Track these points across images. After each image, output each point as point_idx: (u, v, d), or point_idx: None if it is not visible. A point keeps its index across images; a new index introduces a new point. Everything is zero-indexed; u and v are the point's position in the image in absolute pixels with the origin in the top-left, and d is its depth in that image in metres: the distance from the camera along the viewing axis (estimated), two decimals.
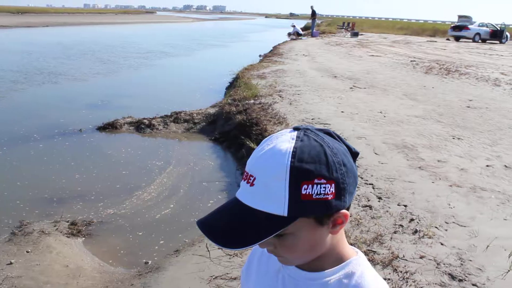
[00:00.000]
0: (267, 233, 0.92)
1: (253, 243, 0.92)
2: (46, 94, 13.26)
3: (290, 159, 0.92)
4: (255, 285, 1.24)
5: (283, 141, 0.95)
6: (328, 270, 1.09)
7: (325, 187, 0.93)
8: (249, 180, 0.95)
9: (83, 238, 5.00)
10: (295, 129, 0.99)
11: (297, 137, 0.96)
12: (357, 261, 1.11)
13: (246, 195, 0.96)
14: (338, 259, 1.10)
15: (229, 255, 4.08)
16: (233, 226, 0.95)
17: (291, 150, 0.93)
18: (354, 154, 1.03)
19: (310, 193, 0.92)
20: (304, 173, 0.91)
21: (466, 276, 3.65)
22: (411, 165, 6.20)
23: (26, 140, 8.45)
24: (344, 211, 0.98)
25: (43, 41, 30.18)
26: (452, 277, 3.65)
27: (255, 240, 0.92)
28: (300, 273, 1.12)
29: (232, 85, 13.81)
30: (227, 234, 0.94)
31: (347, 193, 0.97)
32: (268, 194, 0.92)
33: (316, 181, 0.92)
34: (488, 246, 4.11)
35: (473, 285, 3.54)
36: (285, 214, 0.92)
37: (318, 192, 0.92)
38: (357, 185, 1.06)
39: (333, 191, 0.94)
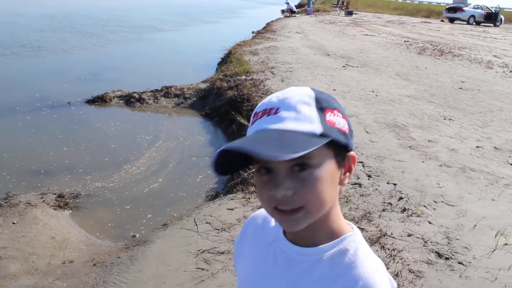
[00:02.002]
0: (311, 145, 0.91)
1: (305, 150, 0.89)
2: (33, 67, 13.01)
3: (313, 91, 1.01)
4: (247, 257, 1.21)
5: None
6: (322, 245, 1.04)
7: (342, 121, 1.01)
8: (271, 112, 0.98)
9: (70, 211, 4.96)
10: None
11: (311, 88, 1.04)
12: (352, 238, 1.07)
13: (276, 122, 0.96)
14: (332, 233, 1.06)
15: (217, 229, 4.07)
16: (275, 143, 0.91)
17: (311, 88, 1.03)
18: None
19: (333, 121, 0.99)
20: (327, 102, 1.00)
21: (452, 255, 3.67)
22: (402, 144, 6.20)
23: (13, 112, 8.32)
24: (353, 152, 1.04)
25: (29, 12, 29.55)
26: (439, 255, 3.67)
27: (305, 148, 0.90)
28: (293, 248, 1.08)
29: (224, 60, 13.69)
30: (274, 149, 0.89)
31: (353, 136, 1.05)
32: (300, 116, 0.96)
33: (336, 112, 1.00)
34: (475, 225, 4.14)
35: (459, 263, 3.56)
36: (320, 131, 0.95)
37: (338, 122, 1.00)
38: None
39: (347, 128, 1.02)
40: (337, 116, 1.00)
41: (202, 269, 3.52)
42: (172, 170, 6.17)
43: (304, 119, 0.95)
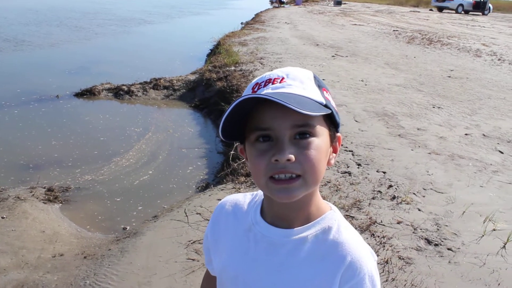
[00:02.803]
0: (321, 110, 0.98)
1: (319, 112, 0.96)
2: (19, 61, 12.83)
3: (310, 71, 1.07)
4: (223, 247, 1.19)
5: None
6: (304, 226, 1.06)
7: (333, 101, 1.06)
8: (276, 81, 1.01)
9: (60, 204, 4.93)
10: None
11: None
12: (333, 216, 1.09)
13: (284, 88, 0.99)
14: (313, 213, 1.08)
15: (207, 220, 4.06)
16: (292, 100, 0.93)
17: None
18: None
19: (328, 98, 1.04)
20: (322, 82, 1.06)
21: (442, 241, 3.70)
22: (391, 133, 6.22)
23: (0, 106, 8.23)
24: (339, 134, 1.09)
25: (13, 6, 29.10)
26: (428, 241, 3.70)
27: (318, 111, 0.96)
28: (275, 230, 1.08)
29: (213, 52, 13.62)
30: (294, 104, 0.92)
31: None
32: (305, 86, 1.00)
33: (328, 93, 1.06)
34: (464, 212, 4.17)
35: (448, 249, 3.59)
36: (324, 102, 1.00)
37: (331, 101, 1.05)
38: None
39: (336, 108, 1.06)
40: (330, 96, 1.06)
41: (193, 259, 3.52)
42: (162, 162, 6.15)
43: (310, 90, 1.00)
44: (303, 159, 0.97)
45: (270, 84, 1.00)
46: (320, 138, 0.99)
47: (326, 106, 1.00)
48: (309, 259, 1.05)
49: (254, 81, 1.05)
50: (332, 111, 1.02)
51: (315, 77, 1.05)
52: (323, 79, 8.85)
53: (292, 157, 0.95)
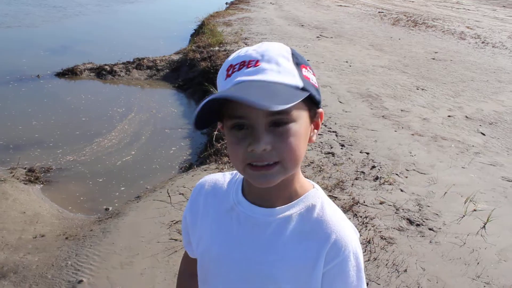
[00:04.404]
0: (297, 97, 0.93)
1: (292, 101, 0.90)
2: None
3: (288, 46, 1.02)
4: (203, 228, 1.16)
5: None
6: (288, 204, 1.05)
7: (314, 77, 1.03)
8: (250, 64, 0.96)
9: (41, 185, 4.87)
10: None
11: None
12: (316, 194, 1.08)
13: (259, 74, 0.94)
14: (296, 192, 1.07)
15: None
16: (263, 94, 0.90)
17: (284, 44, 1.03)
18: None
19: (308, 76, 1.00)
20: (301, 58, 1.01)
21: (423, 221, 3.73)
22: (375, 114, 6.24)
23: None
24: (321, 109, 1.05)
25: None
26: (410, 222, 3.73)
27: (292, 100, 0.91)
28: (259, 210, 1.06)
29: (197, 32, 13.45)
30: (264, 99, 0.87)
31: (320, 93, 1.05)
32: (281, 69, 0.96)
33: (309, 68, 1.02)
34: (445, 192, 4.21)
35: (430, 229, 3.63)
36: (301, 85, 0.96)
37: (312, 78, 1.01)
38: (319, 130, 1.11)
39: (316, 84, 1.03)
40: (310, 72, 1.02)
41: (176, 239, 3.51)
42: (145, 143, 6.09)
43: (286, 72, 0.95)
44: (280, 147, 0.95)
45: (244, 68, 0.96)
46: (298, 123, 0.97)
47: (303, 88, 0.96)
48: (294, 238, 1.04)
49: (229, 59, 1.02)
50: (310, 93, 0.98)
51: (293, 54, 1.00)
52: (308, 60, 8.81)
53: (268, 147, 0.94)
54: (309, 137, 1.03)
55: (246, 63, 0.96)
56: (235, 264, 1.08)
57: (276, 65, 0.95)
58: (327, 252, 1.02)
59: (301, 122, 0.97)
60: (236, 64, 0.98)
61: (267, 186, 0.99)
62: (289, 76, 0.95)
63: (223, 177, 1.20)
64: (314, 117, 1.03)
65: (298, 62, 0.99)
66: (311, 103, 1.01)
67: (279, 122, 0.94)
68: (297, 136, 0.96)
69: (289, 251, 1.04)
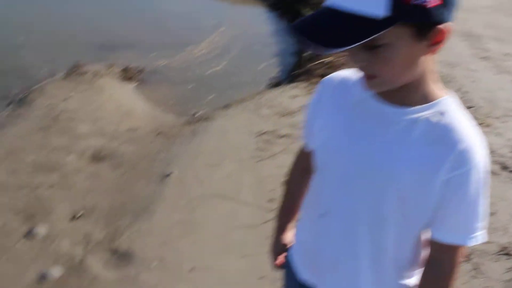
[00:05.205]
0: (363, 36, 0.82)
1: (349, 44, 0.82)
2: None
3: None
4: (326, 119, 1.13)
5: None
6: (417, 106, 0.99)
7: None
8: None
9: (135, 84, 5.06)
10: None
11: None
12: (448, 101, 1.01)
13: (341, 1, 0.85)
14: (427, 96, 1.00)
15: (278, 114, 4.07)
16: (328, 29, 0.85)
17: None
18: None
19: None
20: None
21: None
22: (475, 55, 5.87)
23: None
24: (444, 25, 0.87)
25: None
26: (504, 167, 3.58)
27: (351, 42, 0.82)
28: (387, 108, 1.01)
29: None
30: (323, 37, 0.84)
31: (450, 4, 0.86)
32: None
33: None
34: None
35: None
36: (381, 15, 0.81)
37: None
38: None
39: (434, 2, 0.83)
40: None
41: (262, 149, 3.57)
42: (235, 56, 6.10)
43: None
44: (373, 66, 0.92)
45: None
46: (396, 45, 0.87)
47: (390, 18, 0.81)
48: (421, 140, 0.99)
49: None
50: (399, 22, 0.82)
51: None
52: None
53: (363, 63, 0.93)
54: (422, 53, 0.92)
55: None
56: (356, 157, 1.05)
57: None
58: (452, 159, 0.97)
59: (398, 44, 0.87)
60: None
61: (373, 91, 1.01)
62: (370, 4, 0.82)
63: (352, 72, 1.16)
64: (429, 32, 0.88)
65: None
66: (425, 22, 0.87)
67: (368, 45, 0.86)
68: (390, 59, 0.89)
69: (415, 151, 0.99)
